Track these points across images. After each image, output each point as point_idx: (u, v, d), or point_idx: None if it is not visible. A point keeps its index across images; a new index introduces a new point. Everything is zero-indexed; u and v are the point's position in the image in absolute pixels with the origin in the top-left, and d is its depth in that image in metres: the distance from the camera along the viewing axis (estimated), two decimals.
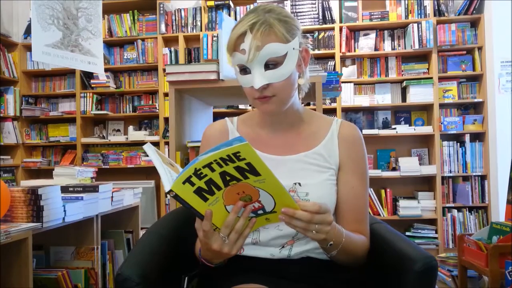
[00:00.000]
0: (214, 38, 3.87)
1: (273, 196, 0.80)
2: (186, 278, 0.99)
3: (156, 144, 3.97)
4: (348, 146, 1.05)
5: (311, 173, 1.01)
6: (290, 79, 0.98)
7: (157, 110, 4.03)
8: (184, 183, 0.74)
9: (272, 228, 0.99)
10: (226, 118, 1.14)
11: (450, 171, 3.66)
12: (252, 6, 3.92)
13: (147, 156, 4.02)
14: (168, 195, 0.75)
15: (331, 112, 3.81)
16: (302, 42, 1.01)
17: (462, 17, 3.68)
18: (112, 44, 4.20)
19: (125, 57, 4.19)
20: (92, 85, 4.14)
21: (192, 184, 0.75)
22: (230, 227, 0.82)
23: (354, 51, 3.86)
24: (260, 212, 0.83)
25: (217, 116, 4.01)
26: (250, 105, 3.90)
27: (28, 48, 4.09)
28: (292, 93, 1.01)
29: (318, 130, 1.07)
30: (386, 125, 3.91)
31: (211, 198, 0.78)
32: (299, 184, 0.99)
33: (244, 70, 0.98)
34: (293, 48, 0.97)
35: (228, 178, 0.76)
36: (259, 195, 0.79)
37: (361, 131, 3.72)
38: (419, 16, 3.75)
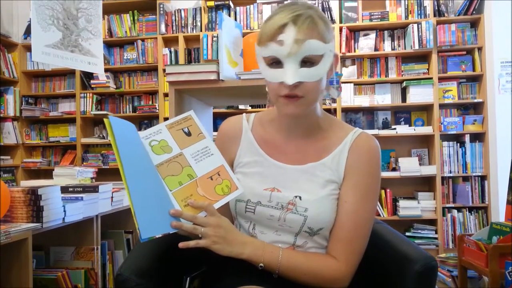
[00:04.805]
0: (214, 39, 3.87)
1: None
2: (188, 278, 0.99)
3: None
4: (355, 158, 0.98)
5: (315, 187, 0.97)
6: (321, 81, 0.93)
7: (157, 111, 4.03)
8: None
9: (270, 233, 0.98)
10: (244, 115, 1.10)
11: (450, 172, 3.66)
12: (252, 6, 3.91)
13: None
14: None
15: (330, 113, 3.80)
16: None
17: (462, 17, 3.68)
18: (112, 45, 4.20)
19: (125, 57, 4.19)
20: (92, 86, 4.14)
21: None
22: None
23: (354, 51, 3.86)
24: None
25: (217, 117, 4.01)
26: (250, 106, 3.90)
27: (28, 48, 4.09)
28: (318, 97, 0.96)
29: (332, 140, 1.01)
30: (386, 126, 3.91)
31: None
32: (300, 198, 0.95)
33: (275, 63, 0.92)
34: (330, 50, 0.93)
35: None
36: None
37: None
38: (419, 16, 3.75)
